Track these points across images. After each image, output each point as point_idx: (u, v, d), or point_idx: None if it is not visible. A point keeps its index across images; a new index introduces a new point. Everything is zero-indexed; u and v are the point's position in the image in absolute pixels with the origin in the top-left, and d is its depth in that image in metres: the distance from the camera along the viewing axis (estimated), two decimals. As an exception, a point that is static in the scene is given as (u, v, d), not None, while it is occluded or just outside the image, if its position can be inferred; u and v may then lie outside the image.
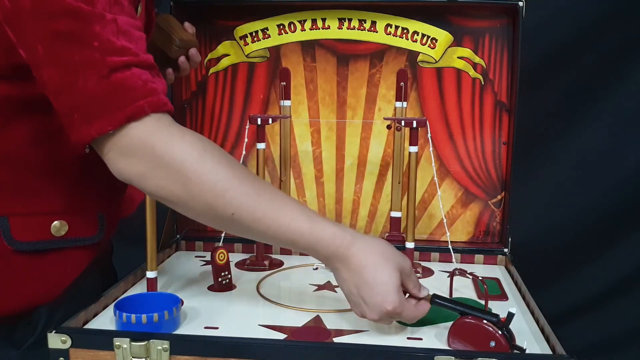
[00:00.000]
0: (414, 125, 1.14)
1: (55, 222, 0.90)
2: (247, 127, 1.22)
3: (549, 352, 0.83)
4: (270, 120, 1.20)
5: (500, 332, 0.79)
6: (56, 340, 0.79)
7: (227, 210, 0.78)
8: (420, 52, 1.26)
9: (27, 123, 0.86)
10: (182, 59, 1.09)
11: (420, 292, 0.86)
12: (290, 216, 0.80)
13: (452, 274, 1.04)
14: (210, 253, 1.07)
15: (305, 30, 1.28)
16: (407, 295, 0.86)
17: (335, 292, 1.07)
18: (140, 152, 0.76)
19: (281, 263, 1.22)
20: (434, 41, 1.25)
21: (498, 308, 0.92)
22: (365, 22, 1.26)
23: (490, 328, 0.80)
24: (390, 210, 1.31)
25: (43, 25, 0.74)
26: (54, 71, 0.75)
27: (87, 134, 0.76)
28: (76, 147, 0.79)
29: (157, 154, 0.76)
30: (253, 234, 0.82)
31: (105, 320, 0.92)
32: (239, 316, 0.95)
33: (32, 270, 0.90)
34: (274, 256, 1.26)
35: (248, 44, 1.29)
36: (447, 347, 0.83)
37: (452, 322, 0.84)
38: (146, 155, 0.76)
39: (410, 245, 1.17)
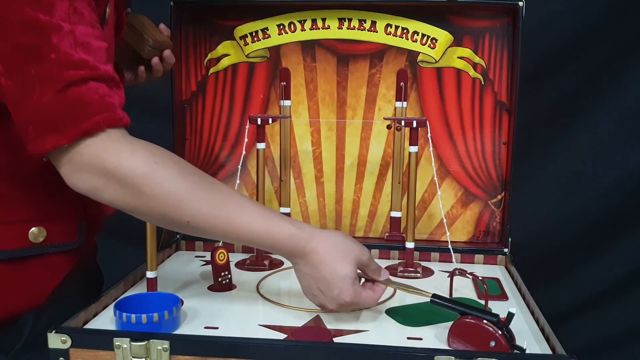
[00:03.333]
0: (414, 125, 1.14)
1: (33, 228, 0.89)
2: (247, 127, 1.23)
3: (549, 352, 0.83)
4: (270, 120, 1.20)
5: (500, 332, 0.79)
6: (56, 340, 0.79)
7: (182, 219, 0.80)
8: (420, 52, 1.26)
9: None
10: (155, 60, 1.09)
11: (380, 277, 0.92)
12: (246, 219, 0.83)
13: (452, 274, 1.04)
14: (210, 253, 1.07)
15: (305, 30, 1.28)
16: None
17: (335, 292, 1.07)
18: (92, 167, 0.77)
19: (281, 263, 1.22)
20: (434, 41, 1.25)
21: (498, 308, 0.92)
22: (365, 22, 1.26)
23: (490, 328, 0.80)
24: (390, 210, 1.31)
25: (1, 37, 0.74)
26: (11, 83, 0.76)
27: (42, 147, 0.77)
28: (33, 158, 0.79)
29: (108, 169, 0.77)
30: (212, 236, 0.84)
31: (105, 320, 0.92)
32: (239, 316, 0.95)
33: (13, 278, 0.89)
34: (274, 256, 1.26)
35: (248, 44, 1.29)
36: (447, 347, 0.83)
37: (452, 322, 0.84)
38: (98, 170, 0.77)
39: (410, 245, 1.17)
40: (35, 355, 0.89)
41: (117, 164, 0.77)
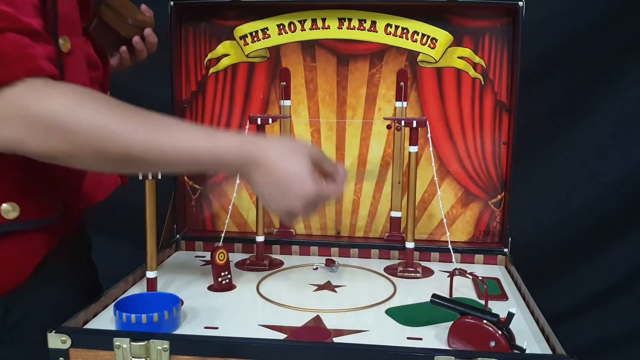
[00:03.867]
0: (414, 125, 1.14)
1: (5, 204, 0.85)
2: (247, 127, 1.22)
3: (549, 352, 0.83)
4: (270, 120, 1.20)
5: (500, 332, 0.79)
6: (56, 340, 0.79)
7: (118, 151, 0.76)
8: (420, 52, 1.26)
9: None
10: (136, 38, 1.08)
11: (337, 168, 0.88)
12: (187, 139, 0.79)
13: (452, 274, 1.04)
14: (210, 253, 1.08)
15: (305, 30, 1.28)
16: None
17: (335, 292, 1.07)
18: (12, 117, 0.73)
19: (281, 263, 1.22)
20: (434, 41, 1.25)
21: (498, 308, 0.92)
22: (365, 22, 1.26)
23: (490, 328, 0.80)
24: (390, 210, 1.31)
25: None
26: None
27: None
28: None
29: (32, 114, 0.73)
30: (156, 167, 0.80)
31: (105, 320, 0.92)
32: (239, 316, 0.95)
33: None
34: (274, 256, 1.26)
35: (248, 44, 1.29)
36: (447, 347, 0.83)
37: (452, 322, 0.84)
38: (20, 119, 0.73)
39: (410, 245, 1.17)
40: (9, 350, 0.87)
41: (40, 108, 0.73)
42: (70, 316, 0.87)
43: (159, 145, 0.77)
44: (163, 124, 0.79)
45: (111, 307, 0.95)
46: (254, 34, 1.29)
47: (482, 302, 0.99)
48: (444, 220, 1.25)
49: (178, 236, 1.31)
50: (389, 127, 1.29)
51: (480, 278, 0.98)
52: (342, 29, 1.27)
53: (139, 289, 1.06)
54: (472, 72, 1.26)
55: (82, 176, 0.98)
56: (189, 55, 1.31)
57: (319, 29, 1.28)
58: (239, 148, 0.81)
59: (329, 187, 0.85)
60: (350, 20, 1.26)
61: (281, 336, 0.87)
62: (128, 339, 0.78)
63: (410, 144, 1.15)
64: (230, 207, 1.28)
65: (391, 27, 1.26)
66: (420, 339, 0.87)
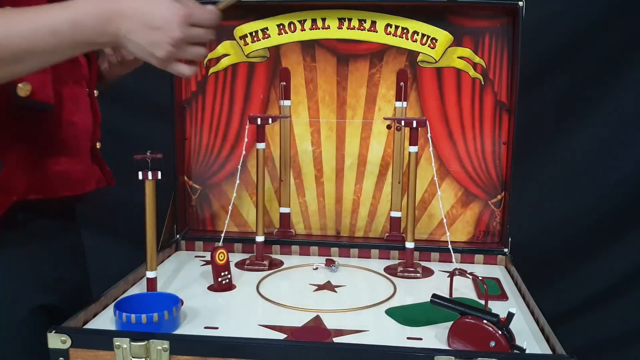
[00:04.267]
0: (414, 125, 1.14)
1: None
2: (247, 127, 1.23)
3: (549, 352, 0.83)
4: (270, 120, 1.20)
5: (500, 332, 0.79)
6: (56, 340, 0.79)
7: None
8: (420, 52, 1.26)
9: None
10: None
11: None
12: (42, 16, 0.76)
13: (452, 274, 1.04)
14: (210, 253, 1.08)
15: (305, 30, 1.28)
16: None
17: (335, 292, 1.07)
18: None
19: (281, 263, 1.22)
20: (434, 41, 1.25)
21: (498, 308, 0.92)
22: (365, 22, 1.26)
23: (490, 328, 0.80)
24: (390, 210, 1.31)
25: None
26: None
27: None
28: None
29: None
30: (27, 56, 0.77)
31: (105, 320, 0.92)
32: (239, 316, 0.95)
33: None
34: (274, 256, 1.26)
35: (248, 44, 1.29)
36: (447, 347, 0.83)
37: (452, 322, 0.84)
38: None
39: (410, 245, 1.17)
40: None
41: None
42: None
43: (15, 30, 0.75)
44: (12, 12, 0.77)
45: (111, 307, 0.95)
46: (254, 34, 1.29)
47: (482, 302, 0.99)
48: (444, 220, 1.25)
49: (178, 236, 1.31)
50: (389, 127, 1.29)
51: (480, 278, 0.98)
52: (342, 29, 1.27)
53: (139, 289, 1.06)
54: (472, 72, 1.26)
55: (25, 152, 0.92)
56: (189, 55, 1.31)
57: (319, 29, 1.28)
58: (98, 6, 0.78)
59: (198, 6, 0.82)
60: (350, 20, 1.26)
61: (281, 336, 0.87)
62: (128, 339, 0.78)
63: (410, 144, 1.15)
64: (230, 207, 1.28)
65: (391, 27, 1.26)
66: (420, 339, 0.87)
